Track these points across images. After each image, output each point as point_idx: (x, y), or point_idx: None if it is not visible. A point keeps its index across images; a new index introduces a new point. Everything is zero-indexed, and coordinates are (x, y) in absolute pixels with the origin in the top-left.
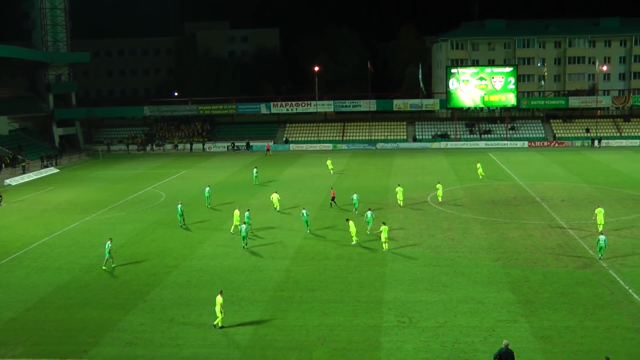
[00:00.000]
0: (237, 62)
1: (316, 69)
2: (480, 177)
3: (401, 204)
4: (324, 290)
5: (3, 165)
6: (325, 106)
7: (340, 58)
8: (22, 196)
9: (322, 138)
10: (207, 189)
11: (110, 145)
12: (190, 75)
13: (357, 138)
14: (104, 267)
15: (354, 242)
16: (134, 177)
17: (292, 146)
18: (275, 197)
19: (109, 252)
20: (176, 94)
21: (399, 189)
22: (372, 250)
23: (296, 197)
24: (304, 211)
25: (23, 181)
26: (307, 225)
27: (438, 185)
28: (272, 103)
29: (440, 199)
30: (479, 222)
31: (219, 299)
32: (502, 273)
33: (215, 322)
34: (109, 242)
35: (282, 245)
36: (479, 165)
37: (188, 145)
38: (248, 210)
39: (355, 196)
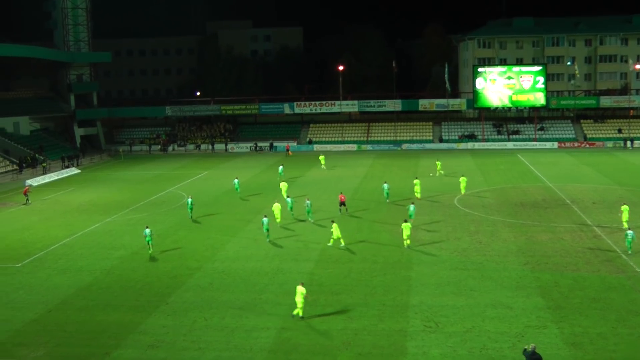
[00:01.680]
0: (260, 62)
1: (340, 68)
2: (438, 174)
3: (419, 196)
4: (349, 294)
5: (24, 165)
6: (350, 106)
7: (365, 57)
8: (43, 197)
9: (346, 138)
10: (236, 180)
11: (131, 145)
12: (212, 75)
13: (382, 138)
14: (150, 252)
15: (330, 244)
16: (155, 178)
17: (315, 147)
18: (277, 207)
19: (151, 239)
20: (198, 93)
21: (416, 181)
22: (399, 249)
23: (320, 199)
24: (308, 202)
25: (44, 182)
26: (309, 215)
27: (462, 179)
28: (295, 103)
29: (463, 192)
30: (507, 225)
31: (301, 289)
32: (531, 277)
33: (294, 312)
34: (147, 229)
35: (306, 247)
36: (438, 162)
37: (210, 146)
38: (288, 197)
39: (385, 185)
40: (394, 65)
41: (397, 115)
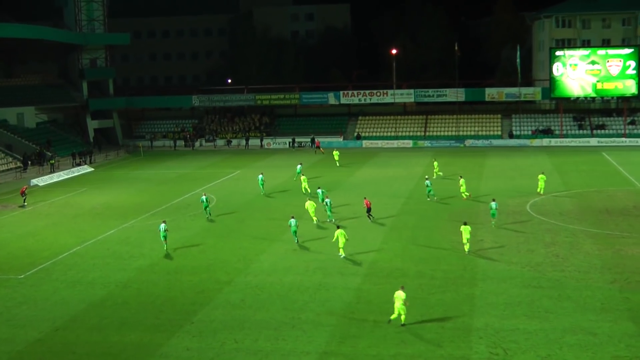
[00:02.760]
0: (301, 44)
1: (394, 52)
2: (436, 176)
3: (464, 196)
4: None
5: (29, 162)
6: (405, 96)
7: (423, 39)
8: (51, 198)
9: (400, 133)
10: (261, 176)
11: (152, 140)
12: (247, 60)
13: (442, 134)
14: (165, 249)
15: (342, 255)
16: (180, 177)
17: (364, 143)
18: (310, 205)
19: (165, 236)
20: (230, 81)
21: (462, 181)
22: (462, 261)
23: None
24: (327, 200)
25: (52, 181)
26: (330, 213)
27: (540, 176)
28: (341, 92)
29: (541, 192)
30: (590, 236)
31: (401, 293)
32: (619, 298)
33: (391, 317)
34: (162, 224)
35: (353, 259)
36: (435, 163)
37: (243, 141)
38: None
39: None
40: (456, 48)
41: (459, 106)
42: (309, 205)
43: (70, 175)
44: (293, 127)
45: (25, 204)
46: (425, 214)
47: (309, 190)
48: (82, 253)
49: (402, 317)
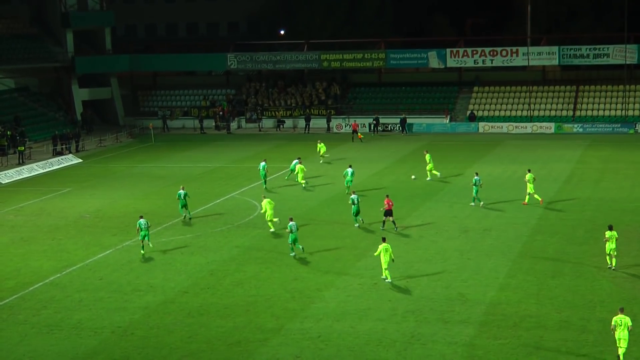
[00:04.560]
0: None
1: None
2: (430, 177)
3: (538, 198)
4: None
5: None
6: (544, 56)
7: None
8: (19, 203)
9: (536, 113)
10: (263, 163)
11: (168, 118)
12: (307, 2)
13: (601, 114)
14: (142, 254)
15: (387, 278)
16: (208, 174)
17: (481, 126)
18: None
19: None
20: (283, 32)
21: (529, 176)
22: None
23: (490, 215)
24: (353, 196)
25: (20, 177)
26: (356, 217)
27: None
28: (448, 50)
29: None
30: None
31: (624, 319)
32: None
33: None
34: (141, 219)
35: (461, 298)
36: (427, 155)
37: (301, 121)
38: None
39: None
40: None
41: (630, 72)
42: (266, 203)
43: (48, 169)
44: (376, 101)
45: None
46: (574, 233)
47: (302, 184)
48: (64, 283)
49: (621, 350)
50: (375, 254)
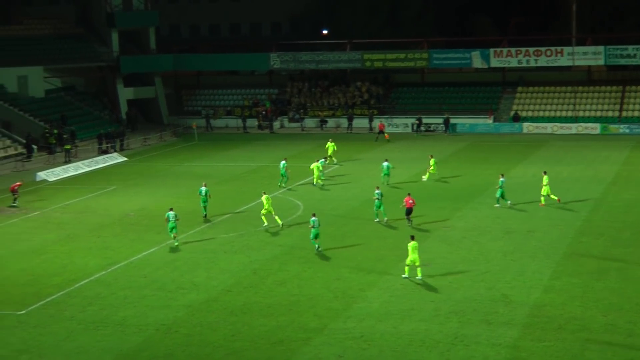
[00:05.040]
0: None
1: None
2: (428, 177)
3: (555, 198)
4: None
5: (35, 148)
6: (590, 56)
7: None
8: (65, 200)
9: (581, 113)
10: (283, 162)
11: (211, 118)
12: (351, 2)
13: None
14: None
15: (419, 277)
16: (250, 173)
17: (525, 126)
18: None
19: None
20: (326, 32)
21: (545, 178)
22: None
23: (534, 216)
24: (377, 191)
25: (67, 175)
26: (378, 213)
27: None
28: (492, 50)
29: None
30: None
31: None
32: None
33: None
34: (170, 211)
35: (505, 300)
36: (432, 160)
37: (344, 121)
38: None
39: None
40: None
41: None
42: (265, 199)
43: (94, 168)
44: (418, 101)
45: (16, 204)
46: (619, 235)
47: (320, 182)
48: (109, 281)
49: None
50: (409, 253)
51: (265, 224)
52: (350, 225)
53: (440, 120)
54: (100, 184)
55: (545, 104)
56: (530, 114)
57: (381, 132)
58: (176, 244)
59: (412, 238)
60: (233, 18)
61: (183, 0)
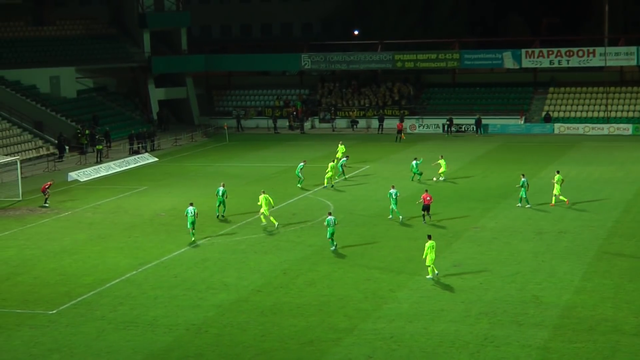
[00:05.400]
0: None
1: None
2: (437, 180)
3: (564, 199)
4: None
5: (67, 148)
6: (622, 56)
7: None
8: (96, 200)
9: (613, 114)
10: (301, 164)
11: (242, 118)
12: (381, 3)
13: None
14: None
15: (431, 276)
16: (282, 173)
17: (557, 127)
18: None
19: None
20: (357, 33)
21: (557, 177)
22: None
23: (565, 217)
24: (392, 190)
25: (98, 175)
26: (395, 207)
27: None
28: (523, 50)
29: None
30: None
31: None
32: None
33: None
34: (190, 206)
35: (536, 301)
36: (441, 162)
37: (375, 122)
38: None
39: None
40: None
41: None
42: (262, 198)
43: (125, 168)
44: (449, 102)
45: (47, 204)
46: None
47: (332, 182)
48: (140, 281)
49: None
50: (427, 256)
51: (263, 222)
52: (381, 225)
53: (471, 121)
54: (131, 184)
55: (577, 105)
56: (561, 114)
57: (400, 131)
58: (193, 239)
59: (429, 237)
60: (264, 18)
61: (214, 0)
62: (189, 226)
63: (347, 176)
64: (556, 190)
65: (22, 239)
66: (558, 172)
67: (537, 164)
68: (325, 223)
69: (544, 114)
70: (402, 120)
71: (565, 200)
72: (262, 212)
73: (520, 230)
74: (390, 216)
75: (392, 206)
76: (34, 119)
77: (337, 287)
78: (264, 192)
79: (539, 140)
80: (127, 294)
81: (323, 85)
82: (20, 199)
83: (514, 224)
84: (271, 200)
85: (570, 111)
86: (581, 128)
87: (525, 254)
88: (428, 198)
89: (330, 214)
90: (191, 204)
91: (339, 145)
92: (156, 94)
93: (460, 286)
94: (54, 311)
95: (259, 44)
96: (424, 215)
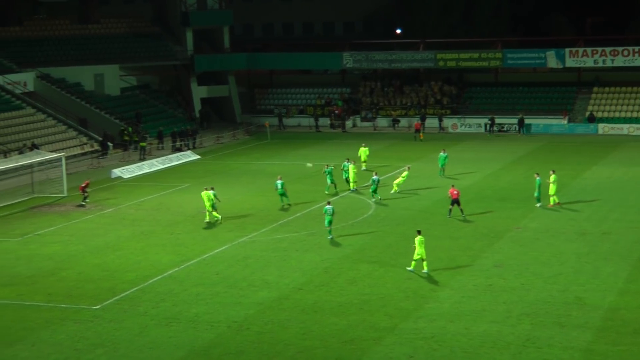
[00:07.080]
0: None
1: None
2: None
3: (556, 199)
4: None
5: (110, 146)
6: None
7: None
8: (139, 197)
9: None
10: (279, 182)
11: (284, 116)
12: (424, 2)
13: None
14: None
15: (411, 268)
16: (322, 172)
17: (601, 127)
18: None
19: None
20: (399, 32)
21: (552, 177)
22: None
23: (608, 218)
24: (375, 177)
25: (141, 172)
26: (374, 193)
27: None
28: (567, 50)
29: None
30: None
31: None
32: None
33: None
34: (210, 190)
35: (579, 302)
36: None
37: (417, 120)
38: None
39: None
40: None
41: None
42: (204, 195)
43: (167, 165)
44: (492, 101)
45: (85, 202)
46: None
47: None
48: (182, 277)
49: None
50: (416, 249)
51: (207, 219)
52: (422, 225)
53: (514, 121)
54: (173, 182)
55: (622, 105)
56: (605, 114)
57: (417, 131)
58: (216, 215)
59: (419, 233)
60: (306, 17)
61: (257, 0)
62: (208, 208)
63: (399, 190)
64: (551, 190)
65: (67, 235)
66: (553, 172)
67: (580, 164)
68: (323, 211)
69: (587, 114)
70: (423, 120)
71: (557, 201)
72: (207, 210)
73: (563, 231)
74: (374, 199)
75: (372, 192)
76: (78, 116)
77: (378, 286)
78: (206, 189)
79: (582, 140)
80: (169, 290)
81: (364, 84)
82: (65, 195)
83: (556, 225)
84: (212, 196)
85: (614, 111)
86: (625, 128)
87: (568, 255)
88: (455, 192)
89: (329, 203)
90: (212, 188)
91: (362, 147)
92: (198, 92)
93: (501, 286)
94: (98, 306)
95: (300, 43)
96: (450, 210)
